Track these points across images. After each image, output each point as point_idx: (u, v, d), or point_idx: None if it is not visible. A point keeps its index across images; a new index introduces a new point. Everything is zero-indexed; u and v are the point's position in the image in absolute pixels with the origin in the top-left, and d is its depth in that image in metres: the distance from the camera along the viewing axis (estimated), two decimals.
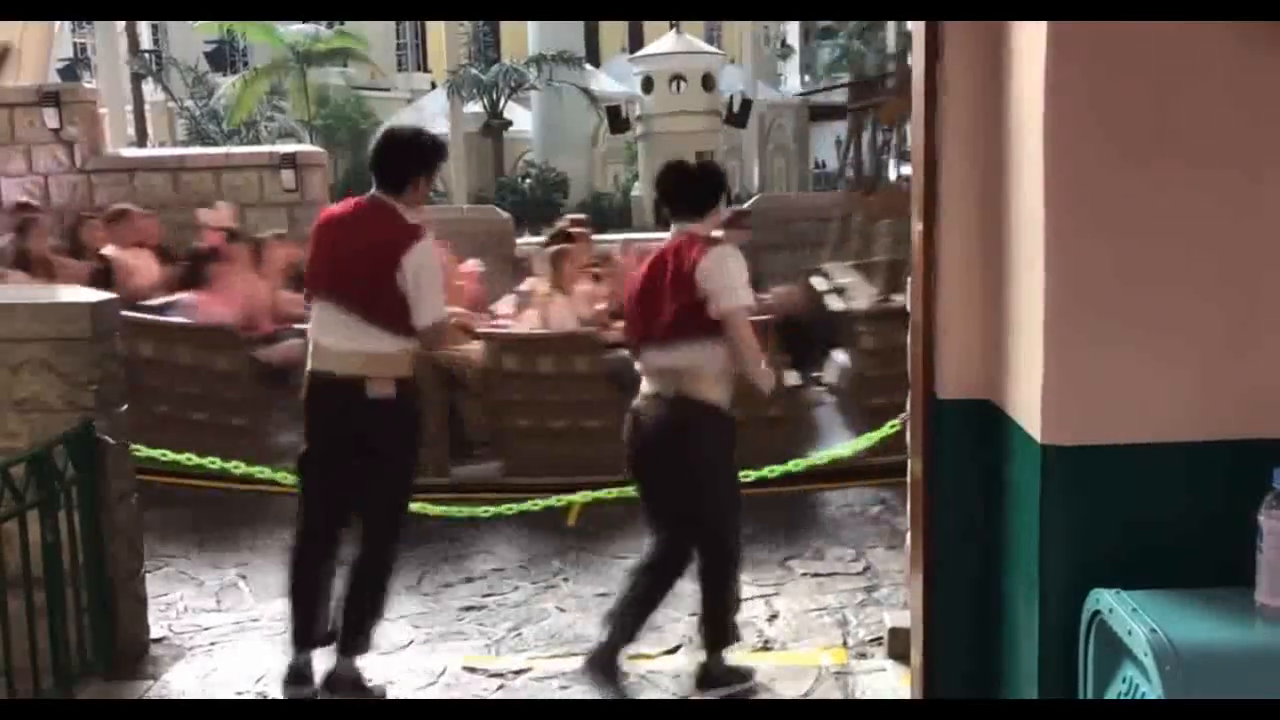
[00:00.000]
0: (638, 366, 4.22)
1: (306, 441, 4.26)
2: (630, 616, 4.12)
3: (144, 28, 29.72)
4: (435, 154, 4.26)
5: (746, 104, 28.38)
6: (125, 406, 4.59)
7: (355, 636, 4.25)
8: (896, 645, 4.46)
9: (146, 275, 8.25)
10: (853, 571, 5.71)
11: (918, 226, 3.11)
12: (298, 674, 4.25)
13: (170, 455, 6.43)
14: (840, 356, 7.93)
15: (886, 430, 6.03)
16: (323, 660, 4.29)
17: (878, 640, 4.75)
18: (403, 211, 4.12)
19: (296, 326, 6.66)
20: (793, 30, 43.79)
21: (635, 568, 4.21)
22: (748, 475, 5.03)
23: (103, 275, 7.61)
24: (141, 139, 27.53)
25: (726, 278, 3.99)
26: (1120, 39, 2.49)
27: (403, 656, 4.72)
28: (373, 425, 4.10)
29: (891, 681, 4.33)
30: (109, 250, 8.23)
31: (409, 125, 4.64)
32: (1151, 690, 2.18)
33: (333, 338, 4.10)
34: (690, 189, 4.20)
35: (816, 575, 5.59)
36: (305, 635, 4.28)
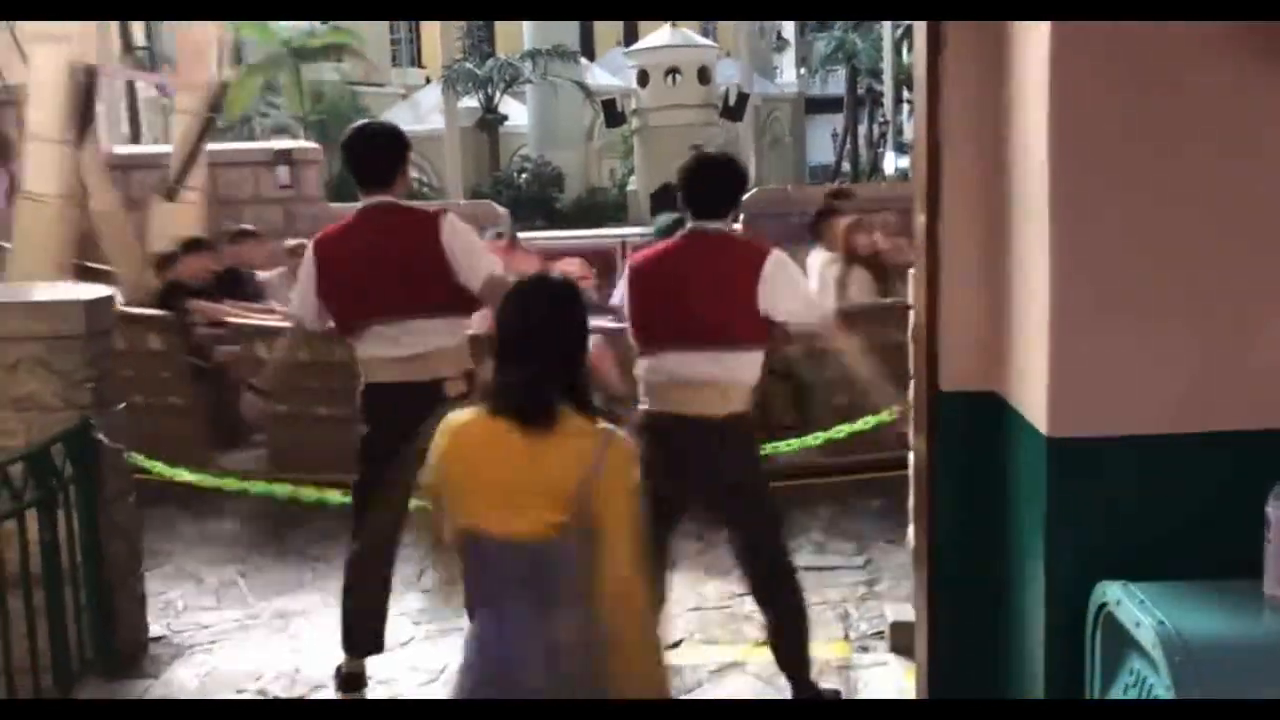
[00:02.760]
0: (648, 369, 3.89)
1: (370, 451, 4.13)
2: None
3: (137, 25, 29.57)
4: (404, 140, 4.29)
5: (743, 97, 28.31)
6: (123, 404, 4.57)
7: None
8: (899, 639, 4.46)
9: None
10: (854, 565, 5.70)
11: (920, 219, 3.10)
12: (356, 679, 4.31)
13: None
14: None
15: (883, 417, 5.96)
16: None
17: (880, 634, 4.74)
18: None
19: None
20: (788, 23, 43.77)
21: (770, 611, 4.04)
22: None
23: None
24: (135, 136, 27.42)
25: (799, 292, 3.88)
26: (1124, 39, 2.49)
27: (404, 654, 4.70)
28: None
29: (894, 675, 4.33)
30: None
31: (374, 122, 4.73)
32: (1160, 682, 2.17)
33: (395, 350, 4.07)
34: (719, 186, 3.93)
35: (818, 569, 5.57)
36: (367, 642, 4.32)
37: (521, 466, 2.36)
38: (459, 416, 2.47)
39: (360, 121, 4.45)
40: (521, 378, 2.38)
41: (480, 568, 2.45)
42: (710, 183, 3.91)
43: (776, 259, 3.80)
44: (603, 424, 2.42)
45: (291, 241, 8.02)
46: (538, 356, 2.38)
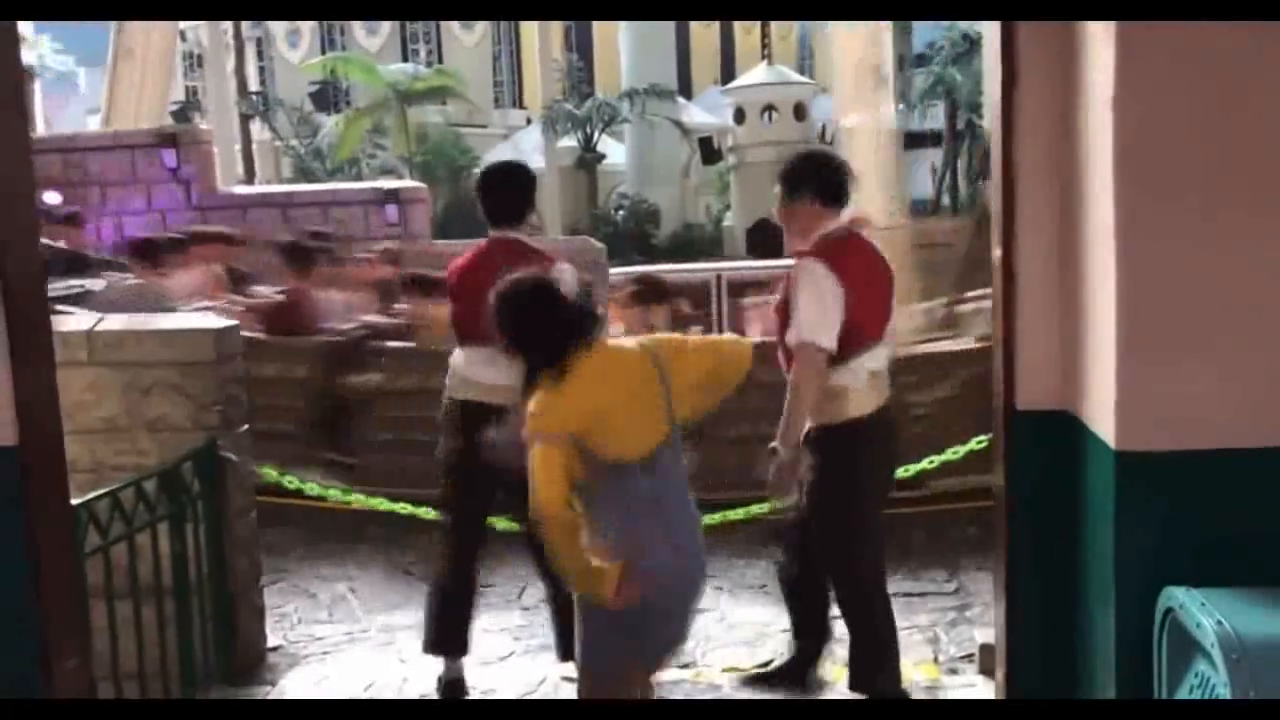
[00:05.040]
0: (856, 369, 3.79)
1: (457, 464, 4.36)
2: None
3: (252, 71, 30.71)
4: (534, 179, 4.57)
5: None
6: (246, 426, 4.86)
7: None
8: (987, 661, 4.52)
9: None
10: (945, 591, 5.76)
11: (997, 249, 3.24)
12: (456, 684, 4.50)
13: (274, 474, 6.63)
14: None
15: (973, 445, 6.04)
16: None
17: (969, 657, 4.80)
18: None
19: None
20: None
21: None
22: None
23: None
24: (249, 177, 28.45)
25: None
26: (1190, 55, 2.60)
27: (504, 667, 4.90)
28: None
29: (982, 697, 4.40)
30: None
31: (511, 162, 4.89)
32: (1219, 681, 2.27)
33: (489, 372, 4.26)
34: (847, 179, 3.97)
35: (908, 595, 5.65)
36: (460, 645, 4.50)
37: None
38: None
39: (498, 161, 4.69)
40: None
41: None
42: (842, 170, 3.99)
43: None
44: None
45: None
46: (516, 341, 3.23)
